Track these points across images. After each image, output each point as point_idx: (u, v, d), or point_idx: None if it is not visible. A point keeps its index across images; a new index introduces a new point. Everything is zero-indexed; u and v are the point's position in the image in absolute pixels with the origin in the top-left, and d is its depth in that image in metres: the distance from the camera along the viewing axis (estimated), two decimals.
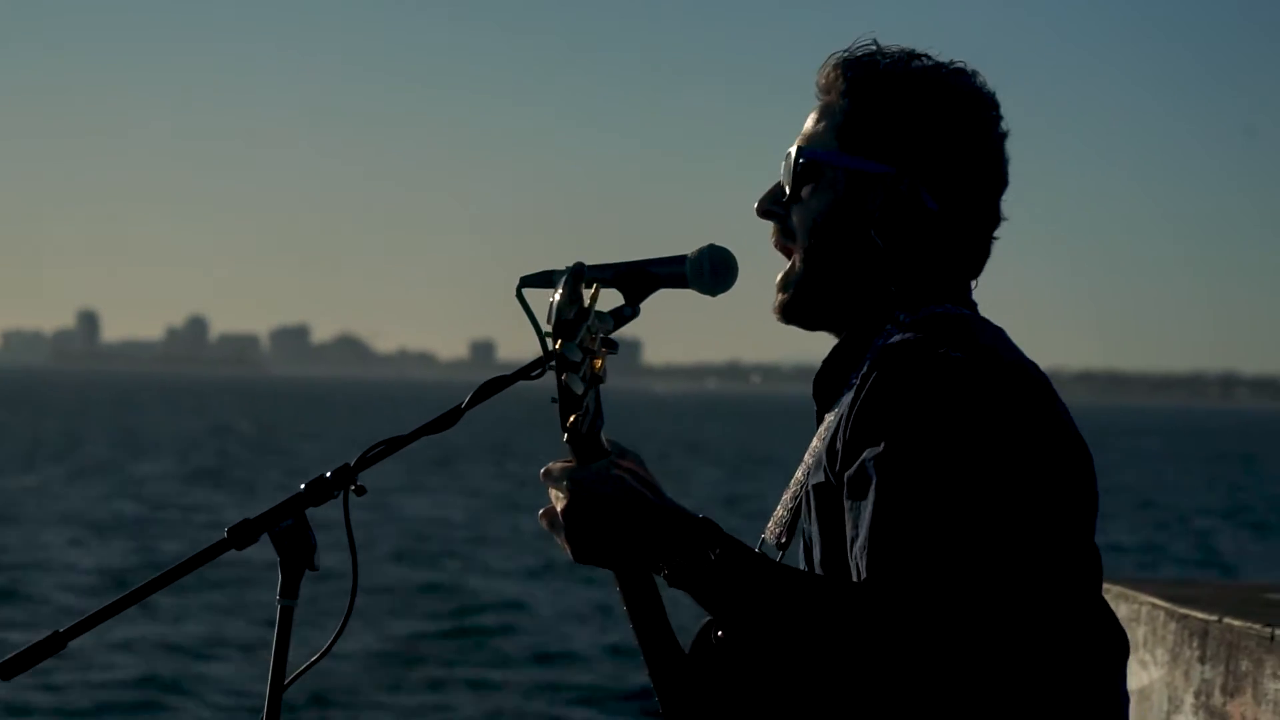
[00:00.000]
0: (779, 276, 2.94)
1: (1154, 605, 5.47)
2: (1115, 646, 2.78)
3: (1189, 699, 5.14)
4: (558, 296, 2.75)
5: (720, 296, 2.88)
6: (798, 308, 2.92)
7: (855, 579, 2.66)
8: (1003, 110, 2.91)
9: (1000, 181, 2.90)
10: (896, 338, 2.77)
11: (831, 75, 2.91)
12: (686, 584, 2.69)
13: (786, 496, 2.92)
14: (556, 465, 2.78)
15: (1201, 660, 5.08)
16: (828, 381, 2.89)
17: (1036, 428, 2.68)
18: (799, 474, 2.90)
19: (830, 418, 2.83)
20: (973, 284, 2.91)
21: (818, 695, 2.69)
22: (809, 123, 2.93)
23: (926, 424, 2.64)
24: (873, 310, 2.87)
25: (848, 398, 2.77)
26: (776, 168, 2.94)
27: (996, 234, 2.91)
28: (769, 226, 2.95)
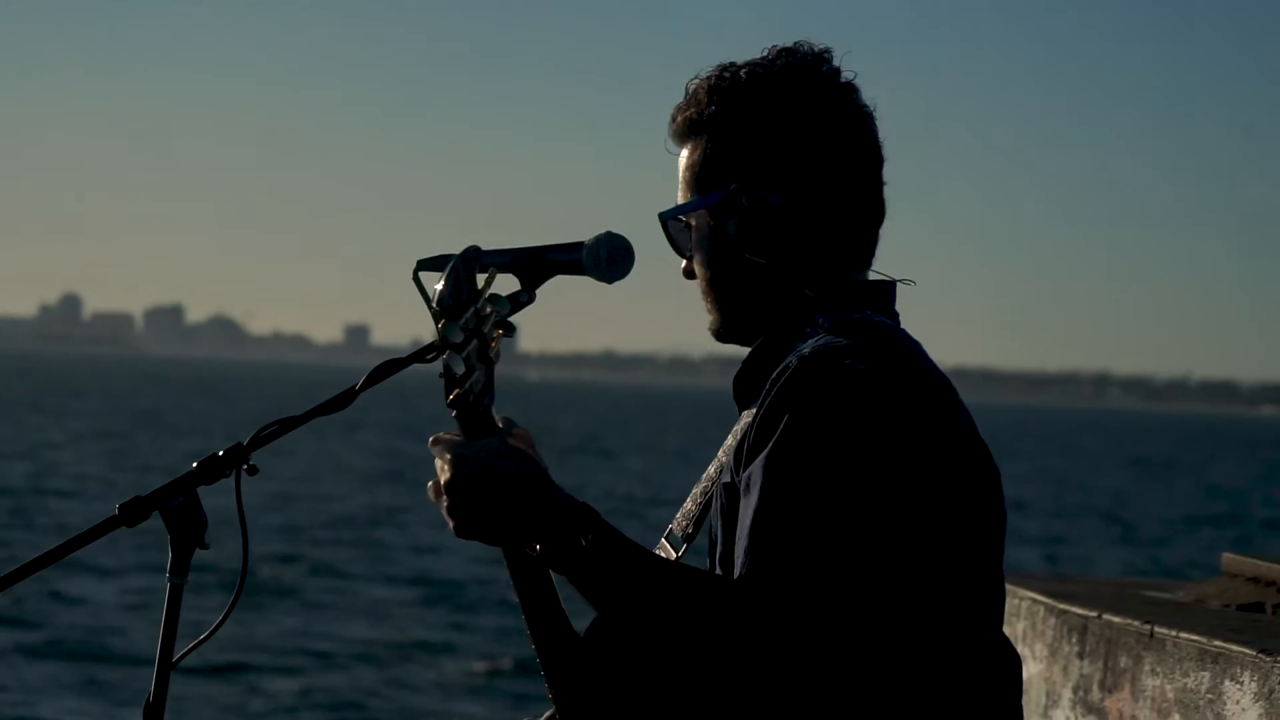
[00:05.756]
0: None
1: (1034, 600, 5.52)
2: (1007, 676, 2.78)
3: (1067, 694, 5.19)
4: (441, 283, 2.75)
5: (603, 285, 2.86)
6: (725, 333, 2.95)
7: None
8: (864, 91, 2.89)
9: (846, 158, 2.87)
10: (809, 346, 2.76)
11: (672, 141, 2.95)
12: (557, 566, 2.70)
13: (697, 490, 2.94)
14: (445, 436, 2.78)
15: (1080, 656, 5.13)
16: (747, 380, 2.90)
17: (931, 445, 2.70)
18: (711, 469, 2.92)
19: (747, 418, 2.84)
20: (898, 283, 2.90)
21: (684, 685, 2.70)
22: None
23: (814, 431, 2.66)
24: (794, 316, 2.87)
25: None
26: None
27: (885, 201, 2.90)
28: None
